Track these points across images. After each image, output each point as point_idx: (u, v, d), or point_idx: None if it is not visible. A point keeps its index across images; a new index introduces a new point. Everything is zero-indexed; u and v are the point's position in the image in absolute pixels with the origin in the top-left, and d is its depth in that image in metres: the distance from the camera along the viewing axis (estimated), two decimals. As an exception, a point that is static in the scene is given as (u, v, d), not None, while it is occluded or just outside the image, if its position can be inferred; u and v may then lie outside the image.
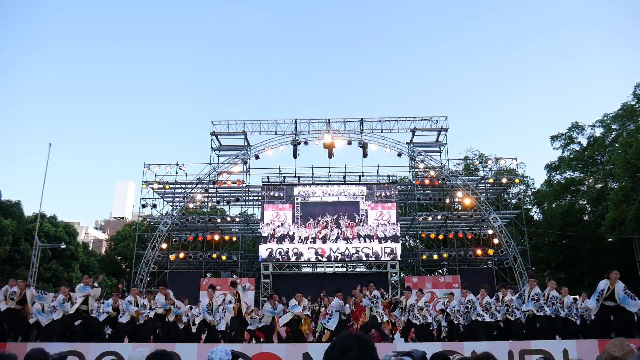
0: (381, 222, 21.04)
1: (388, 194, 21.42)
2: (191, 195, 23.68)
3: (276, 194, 21.68)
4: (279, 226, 21.08)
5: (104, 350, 8.37)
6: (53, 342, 9.04)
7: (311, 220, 21.41)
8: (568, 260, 30.51)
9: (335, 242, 21.15)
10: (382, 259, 20.96)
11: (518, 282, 22.21)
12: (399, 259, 21.36)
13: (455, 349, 7.98)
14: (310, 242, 21.12)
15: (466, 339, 9.92)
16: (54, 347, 7.62)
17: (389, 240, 20.62)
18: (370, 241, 20.76)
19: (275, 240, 20.89)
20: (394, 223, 21.05)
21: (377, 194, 21.41)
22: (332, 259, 21.09)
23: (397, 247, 20.88)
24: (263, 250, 21.21)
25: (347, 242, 20.90)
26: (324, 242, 21.11)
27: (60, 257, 32.22)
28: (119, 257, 38.67)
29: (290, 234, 20.94)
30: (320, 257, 20.91)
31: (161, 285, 11.12)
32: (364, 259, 21.12)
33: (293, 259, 20.96)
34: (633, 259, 25.26)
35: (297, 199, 21.75)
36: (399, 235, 21.49)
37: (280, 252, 20.80)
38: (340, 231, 21.16)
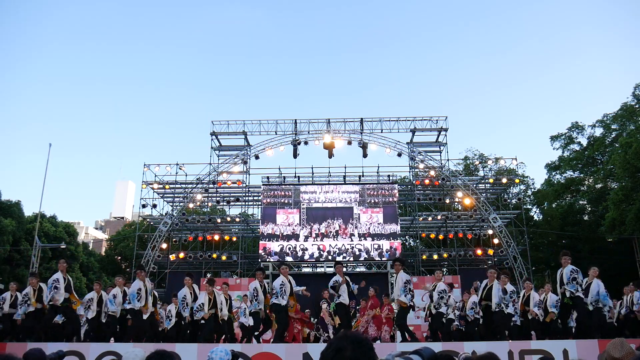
0: (370, 223, 22.25)
1: (377, 200, 22.59)
2: (191, 195, 23.68)
3: (286, 201, 22.68)
4: (288, 226, 22.33)
5: (104, 350, 8.36)
6: (53, 341, 9.04)
7: (314, 221, 22.39)
8: (568, 260, 30.49)
9: (334, 239, 21.99)
10: (371, 253, 21.80)
11: (518, 282, 22.21)
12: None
13: (455, 348, 7.98)
14: (313, 239, 22.05)
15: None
16: (54, 347, 7.62)
17: (377, 239, 22.06)
18: (362, 239, 22.02)
19: (285, 238, 22.15)
20: (381, 224, 22.20)
21: (367, 201, 22.60)
22: (331, 253, 21.73)
23: (384, 244, 21.96)
24: (275, 246, 22.02)
25: (343, 240, 22.04)
26: (324, 239, 22.01)
27: (60, 257, 32.19)
28: (119, 257, 38.68)
29: (297, 233, 22.24)
30: (321, 252, 21.96)
31: (139, 269, 10.52)
32: (357, 253, 21.94)
33: (300, 253, 21.94)
34: (633, 259, 25.25)
35: (302, 204, 22.46)
36: (388, 234, 22.15)
37: (289, 248, 22.08)
38: (337, 230, 22.19)
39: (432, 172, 23.74)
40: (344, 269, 24.72)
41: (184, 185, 24.01)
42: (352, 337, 1.71)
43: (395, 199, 22.50)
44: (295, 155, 23.58)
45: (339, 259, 21.82)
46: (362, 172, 23.49)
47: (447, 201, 23.83)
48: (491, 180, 25.01)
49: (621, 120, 28.81)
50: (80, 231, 62.03)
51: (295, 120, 23.94)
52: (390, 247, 21.76)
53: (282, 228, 22.25)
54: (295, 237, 22.15)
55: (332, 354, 1.66)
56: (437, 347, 8.33)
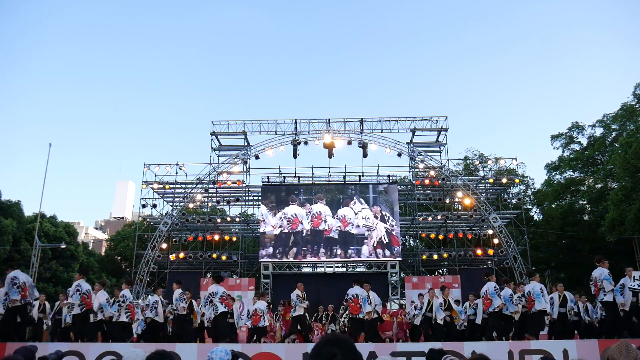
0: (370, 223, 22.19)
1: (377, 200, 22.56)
2: (191, 195, 23.67)
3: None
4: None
5: (104, 350, 8.36)
6: (53, 342, 9.04)
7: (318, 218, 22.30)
8: (568, 260, 30.50)
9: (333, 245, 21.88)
10: (370, 254, 21.68)
11: (518, 282, 22.21)
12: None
13: (455, 349, 7.97)
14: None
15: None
16: (54, 347, 7.62)
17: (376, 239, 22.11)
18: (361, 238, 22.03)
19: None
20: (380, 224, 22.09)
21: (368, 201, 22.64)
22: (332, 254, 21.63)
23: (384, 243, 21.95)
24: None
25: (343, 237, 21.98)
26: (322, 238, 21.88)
27: (60, 257, 32.24)
28: (119, 257, 38.67)
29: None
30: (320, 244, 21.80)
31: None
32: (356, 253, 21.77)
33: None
34: (633, 259, 25.25)
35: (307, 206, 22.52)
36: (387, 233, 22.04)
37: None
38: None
39: (432, 172, 23.74)
40: (343, 269, 24.83)
41: (184, 185, 24.01)
42: (338, 340, 1.73)
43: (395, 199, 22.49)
44: (295, 155, 23.57)
45: (340, 264, 21.85)
46: (362, 172, 23.48)
47: (447, 201, 23.83)
48: (491, 180, 25.00)
49: (621, 120, 28.81)
50: (80, 231, 62.02)
51: (295, 120, 23.95)
52: (391, 247, 21.78)
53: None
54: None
55: None
56: (436, 347, 8.32)
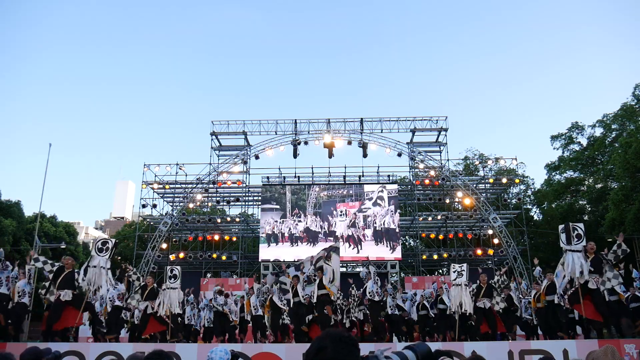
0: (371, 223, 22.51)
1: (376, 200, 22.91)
2: (191, 195, 23.68)
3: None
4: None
5: (104, 350, 8.36)
6: (54, 341, 9.04)
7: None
8: (568, 260, 30.46)
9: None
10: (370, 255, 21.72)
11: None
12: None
13: (455, 349, 7.98)
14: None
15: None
16: (54, 347, 7.62)
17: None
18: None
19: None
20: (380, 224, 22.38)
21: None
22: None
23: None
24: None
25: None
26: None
27: (61, 257, 32.22)
28: (119, 257, 38.64)
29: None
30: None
31: None
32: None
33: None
34: (633, 259, 25.23)
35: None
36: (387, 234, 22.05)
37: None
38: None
39: (432, 172, 23.75)
40: (343, 269, 24.83)
41: (184, 185, 24.02)
42: (333, 335, 1.71)
43: (393, 199, 22.50)
44: (295, 155, 23.59)
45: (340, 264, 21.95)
46: (362, 172, 23.52)
47: (447, 201, 23.84)
48: (491, 180, 25.01)
49: (621, 120, 28.80)
50: (80, 231, 61.95)
51: (295, 120, 23.97)
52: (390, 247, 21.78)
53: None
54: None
55: (314, 354, 1.67)
56: (436, 346, 8.33)
